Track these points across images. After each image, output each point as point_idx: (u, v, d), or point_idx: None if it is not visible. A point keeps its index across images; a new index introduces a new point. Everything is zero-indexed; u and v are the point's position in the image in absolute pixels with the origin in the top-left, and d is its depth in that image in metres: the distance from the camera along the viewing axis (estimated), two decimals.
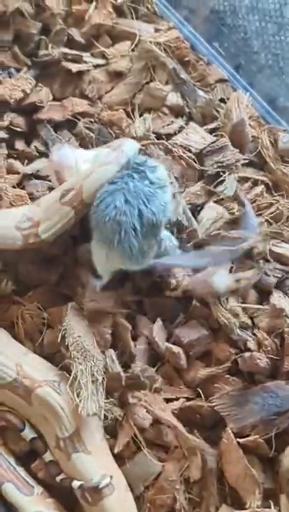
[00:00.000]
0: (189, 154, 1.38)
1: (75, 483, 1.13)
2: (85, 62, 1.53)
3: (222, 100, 1.51)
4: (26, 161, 1.42)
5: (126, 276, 1.26)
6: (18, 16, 1.54)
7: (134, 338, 1.25)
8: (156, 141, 1.39)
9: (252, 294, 1.28)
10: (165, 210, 1.17)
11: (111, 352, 1.21)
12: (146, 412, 1.19)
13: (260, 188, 1.40)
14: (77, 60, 1.53)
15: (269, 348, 1.22)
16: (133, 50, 1.54)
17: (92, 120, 1.43)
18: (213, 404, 1.20)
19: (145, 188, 1.15)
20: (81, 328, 1.22)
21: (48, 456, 1.18)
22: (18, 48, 1.53)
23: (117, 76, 1.52)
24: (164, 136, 1.42)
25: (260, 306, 1.27)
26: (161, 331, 1.26)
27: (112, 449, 1.19)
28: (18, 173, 1.39)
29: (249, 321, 1.26)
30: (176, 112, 1.48)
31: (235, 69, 1.58)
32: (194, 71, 1.55)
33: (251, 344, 1.23)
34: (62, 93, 1.52)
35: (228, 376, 1.23)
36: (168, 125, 1.45)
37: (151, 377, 1.22)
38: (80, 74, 1.52)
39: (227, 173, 1.37)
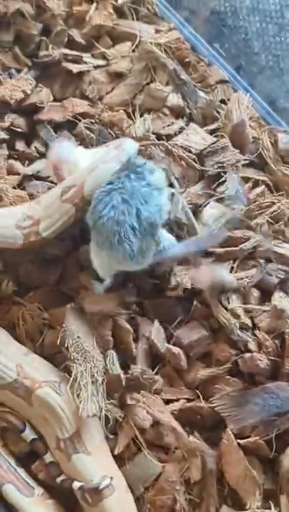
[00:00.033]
0: (190, 155, 1.38)
1: (76, 485, 1.13)
2: (86, 63, 1.53)
3: (222, 101, 1.51)
4: (27, 161, 1.42)
5: (127, 277, 1.26)
6: (18, 16, 1.54)
7: (136, 340, 1.25)
8: (156, 141, 1.39)
9: (254, 293, 1.28)
10: (161, 212, 1.17)
11: (112, 353, 1.21)
12: (146, 413, 1.19)
13: (260, 189, 1.40)
14: (77, 60, 1.53)
15: (270, 349, 1.22)
16: (134, 51, 1.54)
17: (93, 121, 1.43)
18: (214, 405, 1.20)
19: (142, 189, 1.15)
20: (81, 329, 1.22)
21: (48, 457, 1.18)
22: (18, 48, 1.53)
23: (118, 77, 1.52)
24: (164, 137, 1.42)
25: (261, 307, 1.27)
26: (159, 332, 1.25)
27: (112, 450, 1.19)
28: (19, 173, 1.39)
29: (249, 322, 1.25)
30: (177, 112, 1.48)
31: (236, 70, 1.58)
32: (195, 72, 1.55)
33: (252, 345, 1.23)
34: (63, 94, 1.52)
35: (228, 377, 1.23)
36: (168, 126, 1.45)
37: (151, 378, 1.22)
38: (81, 75, 1.52)
39: (228, 174, 1.37)
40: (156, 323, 1.26)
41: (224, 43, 1.59)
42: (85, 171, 1.20)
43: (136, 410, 1.19)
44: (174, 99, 1.48)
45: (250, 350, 1.23)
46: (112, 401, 1.20)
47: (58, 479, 1.16)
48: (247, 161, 1.42)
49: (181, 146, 1.39)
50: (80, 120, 1.43)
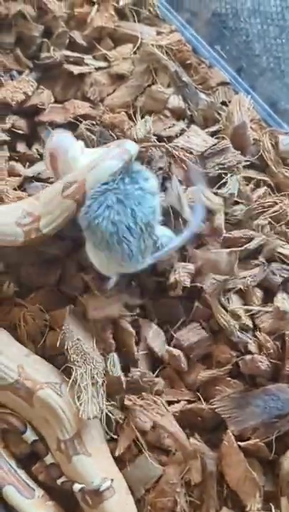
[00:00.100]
0: (190, 156, 1.38)
1: (76, 487, 1.13)
2: (87, 64, 1.53)
3: (224, 103, 1.51)
4: (28, 163, 1.43)
5: (131, 277, 1.26)
6: (20, 18, 1.54)
7: (138, 342, 1.25)
8: (157, 143, 1.39)
9: (257, 293, 1.28)
10: (155, 214, 1.17)
11: (113, 356, 1.21)
12: (146, 416, 1.19)
13: (262, 190, 1.40)
14: (79, 62, 1.54)
15: (271, 351, 1.22)
16: (135, 52, 1.54)
17: (94, 122, 1.43)
18: (214, 406, 1.20)
19: (136, 192, 1.15)
20: (80, 331, 1.22)
21: (49, 459, 1.18)
22: (20, 50, 1.54)
23: (119, 79, 1.52)
24: (165, 139, 1.42)
25: (262, 308, 1.27)
26: (159, 336, 1.26)
27: (113, 451, 1.19)
28: (20, 175, 1.39)
29: (250, 323, 1.25)
30: (178, 114, 1.48)
31: (237, 72, 1.58)
32: (196, 74, 1.55)
33: (252, 347, 1.23)
34: (64, 95, 1.52)
35: (229, 379, 1.23)
36: (169, 128, 1.45)
37: (151, 381, 1.21)
38: (82, 76, 1.53)
39: (229, 175, 1.37)
40: (154, 326, 1.26)
41: (225, 45, 1.60)
42: (87, 168, 1.19)
43: (136, 412, 1.19)
44: (175, 101, 1.48)
45: (250, 352, 1.23)
46: (112, 403, 1.20)
47: (59, 481, 1.16)
48: (248, 163, 1.43)
49: (182, 148, 1.39)
50: (81, 122, 1.43)
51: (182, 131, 1.44)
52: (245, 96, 1.49)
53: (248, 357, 1.21)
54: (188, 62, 1.54)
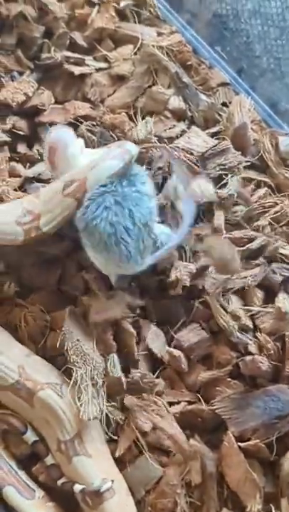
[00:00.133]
0: (191, 157, 1.38)
1: (77, 487, 1.13)
2: (88, 65, 1.54)
3: (224, 104, 1.51)
4: (28, 164, 1.43)
5: (131, 279, 1.26)
6: (21, 19, 1.54)
7: (138, 343, 1.25)
8: (157, 144, 1.39)
9: (257, 294, 1.28)
10: (152, 215, 1.17)
11: (113, 356, 1.21)
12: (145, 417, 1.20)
13: (263, 190, 1.40)
14: (79, 63, 1.54)
15: (271, 352, 1.22)
16: (135, 53, 1.54)
17: (95, 123, 1.43)
18: (215, 407, 1.20)
19: (133, 194, 1.15)
20: (80, 332, 1.22)
21: (49, 460, 1.18)
22: (21, 51, 1.54)
23: (120, 79, 1.52)
24: (165, 140, 1.42)
25: (263, 309, 1.27)
26: (159, 337, 1.26)
27: (113, 452, 1.19)
28: (20, 176, 1.39)
29: (250, 323, 1.25)
30: (179, 115, 1.48)
31: (238, 73, 1.58)
32: (196, 75, 1.55)
33: (252, 348, 1.23)
34: (65, 96, 1.53)
35: (229, 379, 1.23)
36: (170, 129, 1.45)
37: (151, 382, 1.21)
38: (83, 77, 1.53)
39: (230, 176, 1.37)
40: (154, 327, 1.26)
41: (226, 45, 1.60)
42: (88, 167, 1.20)
43: (137, 413, 1.19)
44: (176, 102, 1.48)
45: (250, 353, 1.23)
46: (113, 403, 1.20)
47: (59, 482, 1.16)
48: (248, 164, 1.43)
49: (183, 149, 1.39)
50: (81, 123, 1.43)
51: (183, 132, 1.44)
52: (246, 97, 1.49)
53: (248, 358, 1.21)
54: (189, 63, 1.55)
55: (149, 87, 1.49)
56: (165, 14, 1.63)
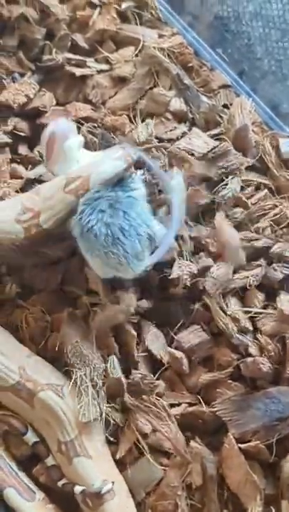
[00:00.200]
0: (192, 159, 1.38)
1: (77, 489, 1.13)
2: (89, 67, 1.54)
3: (225, 106, 1.51)
4: (30, 165, 1.43)
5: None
6: (22, 21, 1.54)
7: (138, 344, 1.25)
8: (158, 144, 1.39)
9: (258, 295, 1.28)
10: (146, 215, 1.18)
11: (112, 358, 1.21)
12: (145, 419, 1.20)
13: (263, 193, 1.40)
14: (81, 65, 1.54)
15: (272, 354, 1.22)
16: (137, 55, 1.54)
17: (96, 125, 1.43)
18: (215, 409, 1.20)
19: (126, 199, 1.16)
20: (80, 333, 1.22)
21: (50, 461, 1.18)
22: (22, 53, 1.54)
23: (121, 81, 1.52)
24: (166, 142, 1.42)
25: (264, 311, 1.27)
26: (158, 338, 1.26)
27: (114, 454, 1.19)
28: (22, 177, 1.39)
29: (250, 325, 1.25)
30: (180, 117, 1.48)
31: (239, 75, 1.58)
32: (198, 77, 1.55)
33: (253, 349, 1.23)
34: (66, 98, 1.53)
35: (230, 381, 1.23)
36: (171, 130, 1.45)
37: (152, 383, 1.21)
38: (84, 79, 1.53)
39: (230, 177, 1.37)
40: (154, 328, 1.26)
41: (227, 48, 1.60)
42: (91, 165, 1.20)
43: (137, 415, 1.19)
44: (177, 103, 1.48)
45: (251, 355, 1.23)
46: (113, 405, 1.20)
47: (60, 483, 1.16)
48: (249, 166, 1.42)
49: (184, 150, 1.39)
50: (82, 124, 1.43)
51: (184, 134, 1.44)
52: (247, 99, 1.49)
53: (249, 359, 1.21)
54: (190, 65, 1.55)
55: (150, 88, 1.49)
56: (166, 16, 1.63)
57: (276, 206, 1.38)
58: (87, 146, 1.37)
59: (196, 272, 1.26)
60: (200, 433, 1.21)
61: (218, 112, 1.48)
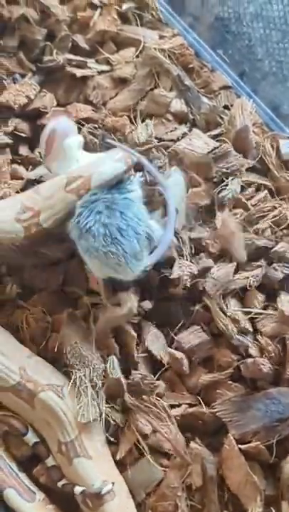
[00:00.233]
0: (192, 159, 1.38)
1: (77, 489, 1.13)
2: (90, 68, 1.53)
3: (226, 107, 1.51)
4: (30, 166, 1.43)
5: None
6: (23, 22, 1.54)
7: (138, 344, 1.25)
8: (158, 144, 1.39)
9: (258, 296, 1.28)
10: (143, 215, 1.18)
11: (112, 358, 1.21)
12: (145, 420, 1.19)
13: (263, 194, 1.40)
14: (81, 66, 1.54)
15: (272, 354, 1.22)
16: (137, 56, 1.54)
17: (96, 126, 1.43)
18: (215, 410, 1.20)
19: (122, 200, 1.17)
20: (79, 334, 1.22)
21: (50, 461, 1.18)
22: (23, 53, 1.54)
23: (122, 82, 1.52)
24: (167, 143, 1.42)
25: (264, 311, 1.27)
26: (159, 339, 1.26)
27: (114, 455, 1.19)
28: (22, 178, 1.39)
29: (250, 326, 1.25)
30: (180, 118, 1.48)
31: (240, 76, 1.58)
32: (198, 78, 1.55)
33: (253, 350, 1.23)
34: (67, 99, 1.53)
35: (230, 382, 1.23)
36: (171, 131, 1.45)
37: (152, 384, 1.21)
38: (85, 79, 1.53)
39: (230, 178, 1.37)
40: (154, 329, 1.26)
41: (228, 49, 1.60)
42: (93, 165, 1.21)
43: (137, 416, 1.19)
44: (178, 104, 1.48)
45: (251, 356, 1.23)
46: (113, 405, 1.20)
47: (60, 483, 1.16)
48: (250, 167, 1.43)
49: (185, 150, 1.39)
50: (83, 125, 1.43)
51: (184, 135, 1.44)
52: (248, 100, 1.49)
53: (249, 360, 1.21)
54: (191, 66, 1.54)
55: (151, 89, 1.49)
56: (167, 17, 1.63)
57: (276, 208, 1.38)
58: (88, 146, 1.37)
59: (196, 272, 1.26)
60: (200, 434, 1.21)
61: (218, 113, 1.48)
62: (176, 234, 1.30)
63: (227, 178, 1.37)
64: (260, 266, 1.29)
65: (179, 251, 1.29)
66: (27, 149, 1.46)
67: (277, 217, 1.35)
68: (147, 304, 1.26)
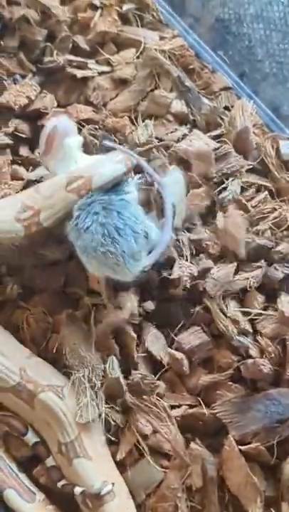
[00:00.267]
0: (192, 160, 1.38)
1: (77, 490, 1.13)
2: (90, 69, 1.53)
3: (226, 108, 1.51)
4: (30, 167, 1.43)
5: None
6: (23, 22, 1.54)
7: (138, 345, 1.25)
8: (158, 144, 1.39)
9: (258, 298, 1.28)
10: (140, 215, 1.19)
11: (112, 358, 1.21)
12: (146, 420, 1.19)
13: (263, 195, 1.40)
14: (82, 66, 1.53)
15: (272, 355, 1.22)
16: (138, 57, 1.54)
17: (97, 127, 1.43)
18: (216, 411, 1.20)
19: (118, 202, 1.17)
20: (78, 335, 1.22)
21: (50, 461, 1.18)
22: (23, 54, 1.54)
23: (122, 83, 1.52)
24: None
25: (264, 312, 1.27)
26: (159, 340, 1.26)
27: (114, 455, 1.19)
28: (22, 179, 1.39)
29: (250, 328, 1.25)
30: (181, 119, 1.48)
31: (240, 77, 1.58)
32: (199, 79, 1.55)
33: (253, 351, 1.23)
34: (67, 100, 1.52)
35: (230, 383, 1.23)
36: (172, 132, 1.45)
37: (152, 383, 1.21)
38: (85, 80, 1.53)
39: (230, 179, 1.37)
40: (154, 329, 1.26)
41: (228, 50, 1.60)
42: (94, 166, 1.21)
43: (138, 416, 1.19)
44: (178, 105, 1.48)
45: (251, 356, 1.23)
46: (113, 406, 1.20)
47: (59, 484, 1.16)
48: (250, 168, 1.43)
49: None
50: (84, 126, 1.43)
51: (184, 136, 1.44)
52: (248, 101, 1.49)
53: (249, 361, 1.21)
54: (191, 67, 1.55)
55: (152, 90, 1.49)
56: (167, 18, 1.63)
57: (276, 209, 1.38)
58: (88, 147, 1.37)
59: (196, 274, 1.26)
60: (200, 435, 1.21)
61: (219, 114, 1.49)
62: (176, 235, 1.30)
63: (227, 179, 1.37)
64: (260, 267, 1.29)
65: (179, 251, 1.29)
66: (27, 150, 1.46)
67: (278, 219, 1.35)
68: (150, 305, 1.27)
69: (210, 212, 1.36)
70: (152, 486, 1.18)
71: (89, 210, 1.16)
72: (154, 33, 1.59)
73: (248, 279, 1.27)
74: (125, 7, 1.60)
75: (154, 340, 1.25)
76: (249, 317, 1.26)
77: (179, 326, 1.27)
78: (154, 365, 1.26)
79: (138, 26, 1.60)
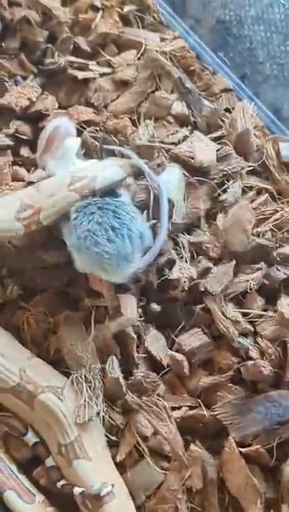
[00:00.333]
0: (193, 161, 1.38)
1: (77, 490, 1.13)
2: (91, 70, 1.53)
3: (227, 110, 1.52)
4: (31, 168, 1.42)
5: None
6: (24, 24, 1.54)
7: (138, 345, 1.25)
8: (157, 144, 1.39)
9: (258, 300, 1.28)
10: (135, 216, 1.19)
11: (112, 358, 1.21)
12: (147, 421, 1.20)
13: (264, 197, 1.40)
14: (83, 68, 1.54)
15: (273, 357, 1.22)
16: (139, 59, 1.54)
17: (98, 128, 1.43)
18: (216, 413, 1.20)
19: (114, 203, 1.18)
20: (76, 336, 1.23)
21: (49, 462, 1.18)
22: (24, 55, 1.54)
23: (123, 85, 1.52)
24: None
25: (264, 313, 1.27)
26: (159, 341, 1.26)
27: (114, 457, 1.19)
28: (23, 180, 1.39)
29: (250, 327, 1.25)
30: (181, 120, 1.48)
31: (241, 79, 1.58)
32: (200, 80, 1.55)
33: (253, 353, 1.23)
34: (68, 101, 1.53)
35: (230, 385, 1.23)
36: (172, 134, 1.45)
37: (154, 382, 1.21)
38: (86, 82, 1.53)
39: (231, 181, 1.37)
40: (154, 330, 1.26)
41: (229, 51, 1.60)
42: (97, 167, 1.23)
43: (138, 417, 1.19)
44: (179, 107, 1.48)
45: (251, 358, 1.23)
46: (113, 407, 1.20)
47: (59, 484, 1.16)
48: (251, 169, 1.43)
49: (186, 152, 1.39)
50: (85, 128, 1.43)
51: (185, 138, 1.44)
52: (249, 103, 1.49)
53: (250, 362, 1.22)
54: (192, 68, 1.55)
55: (153, 92, 1.50)
56: (168, 20, 1.64)
57: (277, 211, 1.38)
58: (89, 149, 1.37)
59: (195, 276, 1.26)
60: (200, 436, 1.22)
61: (220, 116, 1.49)
62: (175, 236, 1.30)
63: (228, 181, 1.37)
64: (260, 269, 1.29)
65: (179, 252, 1.29)
66: (28, 151, 1.45)
67: (279, 221, 1.35)
68: (155, 307, 1.27)
69: (210, 215, 1.36)
70: (152, 487, 1.18)
71: (86, 212, 1.17)
72: (155, 35, 1.60)
73: (248, 281, 1.27)
74: (126, 8, 1.60)
75: (154, 342, 1.25)
76: (249, 319, 1.26)
77: (180, 327, 1.27)
78: (154, 366, 1.26)
79: (139, 28, 1.61)
